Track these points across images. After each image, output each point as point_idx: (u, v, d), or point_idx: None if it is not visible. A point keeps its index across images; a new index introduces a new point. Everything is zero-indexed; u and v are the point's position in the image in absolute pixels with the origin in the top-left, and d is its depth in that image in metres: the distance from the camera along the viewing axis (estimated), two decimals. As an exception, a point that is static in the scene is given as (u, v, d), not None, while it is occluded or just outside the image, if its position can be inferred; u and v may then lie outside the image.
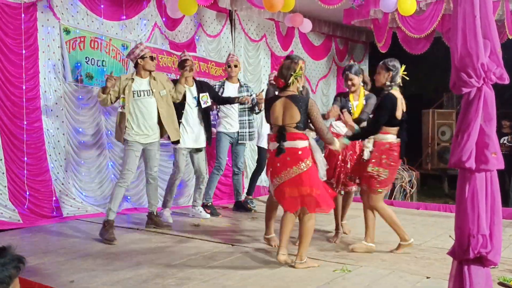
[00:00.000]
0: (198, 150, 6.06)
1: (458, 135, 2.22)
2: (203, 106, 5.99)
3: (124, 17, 6.61)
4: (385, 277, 3.81)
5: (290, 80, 4.01)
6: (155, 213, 5.55)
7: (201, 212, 6.20)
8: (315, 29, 9.10)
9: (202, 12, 7.60)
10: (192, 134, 5.93)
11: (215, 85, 6.55)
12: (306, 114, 3.97)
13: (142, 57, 5.22)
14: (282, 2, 6.14)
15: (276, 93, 4.33)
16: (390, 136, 4.45)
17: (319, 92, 10.23)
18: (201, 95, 5.97)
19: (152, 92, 5.26)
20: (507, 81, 2.36)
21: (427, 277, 3.81)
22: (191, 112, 5.93)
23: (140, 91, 5.22)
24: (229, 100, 6.30)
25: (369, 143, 4.53)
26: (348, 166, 4.94)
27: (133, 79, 5.22)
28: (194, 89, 5.99)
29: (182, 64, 5.91)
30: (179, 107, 5.78)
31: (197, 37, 7.65)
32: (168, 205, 5.93)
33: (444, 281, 3.45)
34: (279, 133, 3.96)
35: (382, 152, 4.43)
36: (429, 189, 10.82)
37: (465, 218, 2.20)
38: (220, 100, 6.30)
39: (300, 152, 3.92)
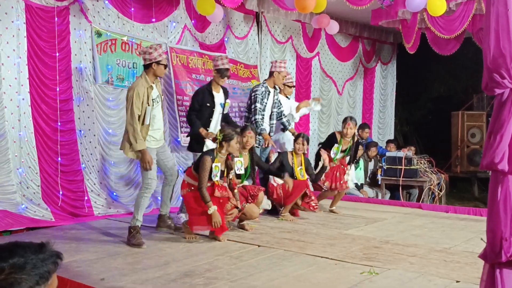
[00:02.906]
0: None
1: (490, 137, 2.20)
2: (225, 112, 5.92)
3: (154, 19, 6.73)
4: (413, 280, 3.78)
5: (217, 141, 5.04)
6: (168, 215, 5.39)
7: None
8: (342, 30, 9.06)
9: (230, 14, 7.66)
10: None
11: (256, 94, 6.24)
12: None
13: (158, 63, 4.84)
14: (314, 3, 6.13)
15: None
16: None
17: (345, 93, 10.18)
18: (226, 101, 5.90)
19: (161, 98, 5.07)
20: (541, 82, 2.32)
21: (457, 281, 3.76)
22: (216, 118, 5.80)
23: (155, 98, 4.92)
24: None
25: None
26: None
27: (151, 86, 4.86)
28: (221, 95, 5.85)
29: (223, 73, 5.69)
30: (207, 114, 5.70)
31: (226, 39, 7.72)
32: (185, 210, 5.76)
33: (475, 285, 3.42)
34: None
35: None
36: (458, 192, 10.63)
37: (497, 221, 2.17)
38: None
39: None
